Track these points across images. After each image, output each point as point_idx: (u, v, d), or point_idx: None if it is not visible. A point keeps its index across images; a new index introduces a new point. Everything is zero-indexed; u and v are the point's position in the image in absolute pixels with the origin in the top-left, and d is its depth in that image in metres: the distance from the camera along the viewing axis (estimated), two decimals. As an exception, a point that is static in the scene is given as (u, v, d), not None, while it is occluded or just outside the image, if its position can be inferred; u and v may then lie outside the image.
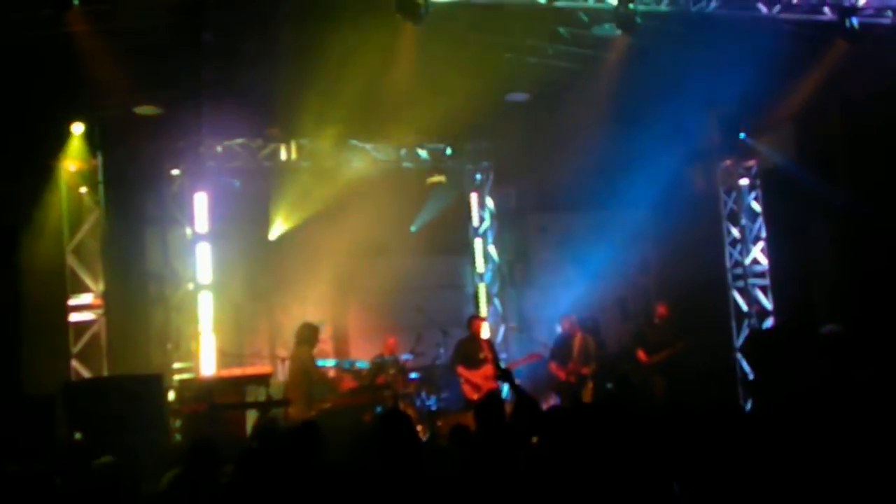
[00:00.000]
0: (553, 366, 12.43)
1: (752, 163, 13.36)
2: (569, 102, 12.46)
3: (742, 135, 13.08)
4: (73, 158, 11.18)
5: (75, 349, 10.93)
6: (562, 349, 12.42)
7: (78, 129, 11.07)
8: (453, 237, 15.55)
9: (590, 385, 12.26)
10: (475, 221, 15.62)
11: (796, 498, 4.82)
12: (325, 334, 12.78)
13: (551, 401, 12.08)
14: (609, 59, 11.14)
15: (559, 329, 12.78)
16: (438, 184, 14.61)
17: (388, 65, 10.37)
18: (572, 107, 12.46)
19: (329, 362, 13.18)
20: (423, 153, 14.77)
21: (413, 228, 15.01)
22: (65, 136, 11.07)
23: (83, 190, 11.27)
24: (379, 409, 11.06)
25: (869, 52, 10.44)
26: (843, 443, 5.61)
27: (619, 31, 9.96)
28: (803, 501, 4.83)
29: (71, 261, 11.07)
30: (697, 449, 4.91)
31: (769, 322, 13.10)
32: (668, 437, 5.05)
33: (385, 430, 5.38)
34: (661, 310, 12.63)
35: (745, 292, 13.26)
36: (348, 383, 12.26)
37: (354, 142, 14.24)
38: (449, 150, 15.00)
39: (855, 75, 11.00)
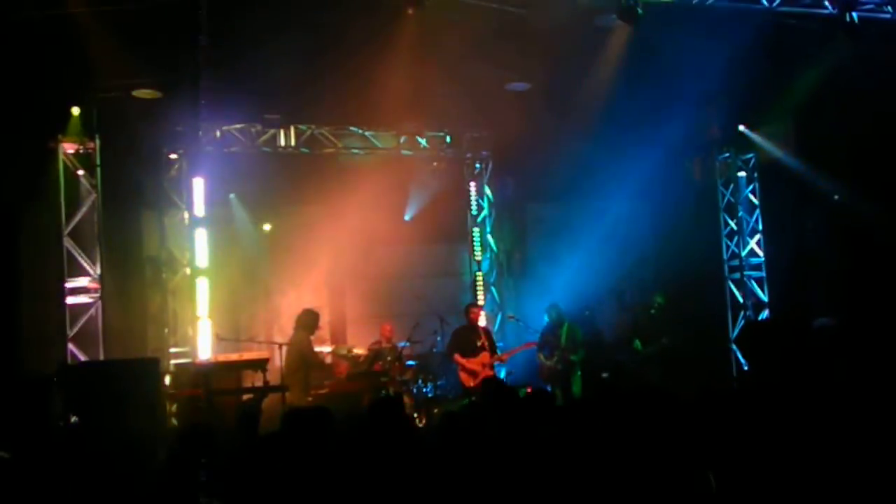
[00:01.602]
0: (541, 357, 12.49)
1: (750, 155, 13.37)
2: (569, 92, 12.45)
3: (741, 127, 13.09)
4: (71, 141, 11.15)
5: (71, 332, 10.92)
6: (549, 338, 12.47)
7: (76, 111, 11.03)
8: (451, 226, 15.55)
9: (579, 373, 12.31)
10: (473, 210, 15.62)
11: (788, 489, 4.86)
12: (322, 320, 12.79)
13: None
14: (610, 50, 11.13)
15: (546, 319, 12.81)
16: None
17: (390, 51, 10.36)
18: (572, 97, 12.46)
19: (326, 348, 13.21)
20: (422, 141, 14.76)
21: (407, 217, 15.04)
22: (63, 117, 11.03)
23: (81, 172, 11.24)
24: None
25: (868, 46, 10.46)
26: (831, 433, 5.66)
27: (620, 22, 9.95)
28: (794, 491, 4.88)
29: (68, 243, 11.04)
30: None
31: (764, 314, 13.13)
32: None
33: (376, 417, 5.41)
34: (658, 300, 12.70)
35: (741, 284, 13.30)
36: (345, 370, 12.30)
37: (354, 128, 14.24)
38: (448, 139, 15.01)
39: (854, 69, 11.01)
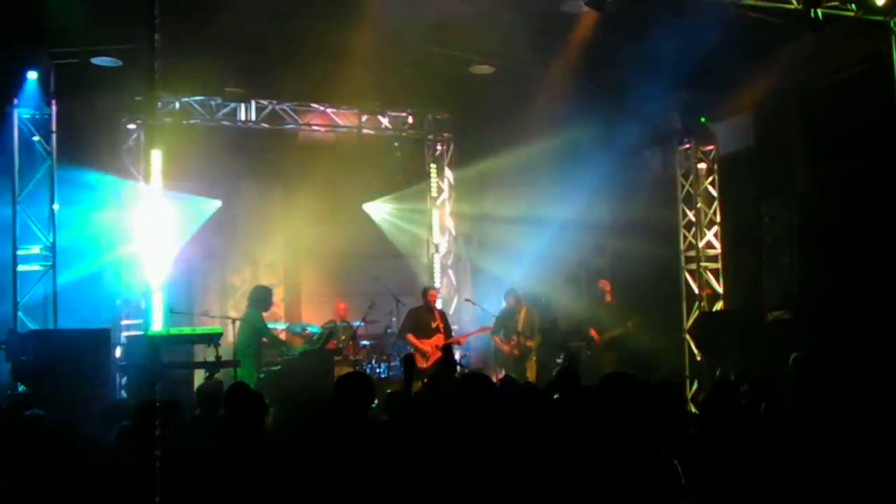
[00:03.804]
0: (497, 339, 12.52)
1: (710, 147, 13.45)
2: (533, 77, 12.45)
3: (702, 119, 13.16)
4: (27, 105, 10.94)
5: (22, 300, 10.74)
6: (506, 323, 12.50)
7: (33, 75, 10.80)
8: (411, 206, 15.54)
9: (534, 359, 12.37)
10: (433, 192, 15.60)
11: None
12: (277, 297, 12.74)
13: (500, 374, 12.17)
14: (575, 37, 11.14)
15: (504, 303, 12.84)
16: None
17: (355, 28, 10.29)
18: (536, 82, 12.47)
19: (280, 325, 13.15)
20: (384, 120, 14.70)
21: (365, 206, 15.06)
22: (19, 81, 10.80)
23: (36, 138, 11.03)
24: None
25: (829, 42, 10.56)
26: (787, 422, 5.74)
27: (587, 8, 9.95)
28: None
29: (20, 209, 10.85)
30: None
31: (719, 305, 13.24)
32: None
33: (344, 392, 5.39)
34: (603, 286, 12.85)
35: (696, 275, 13.38)
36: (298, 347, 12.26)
37: (315, 105, 14.15)
38: (410, 119, 14.96)
39: (814, 65, 11.12)
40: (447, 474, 4.62)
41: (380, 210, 15.30)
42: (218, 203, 13.81)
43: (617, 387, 4.64)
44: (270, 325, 11.85)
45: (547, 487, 4.36)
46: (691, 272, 13.47)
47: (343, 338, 12.47)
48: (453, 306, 15.03)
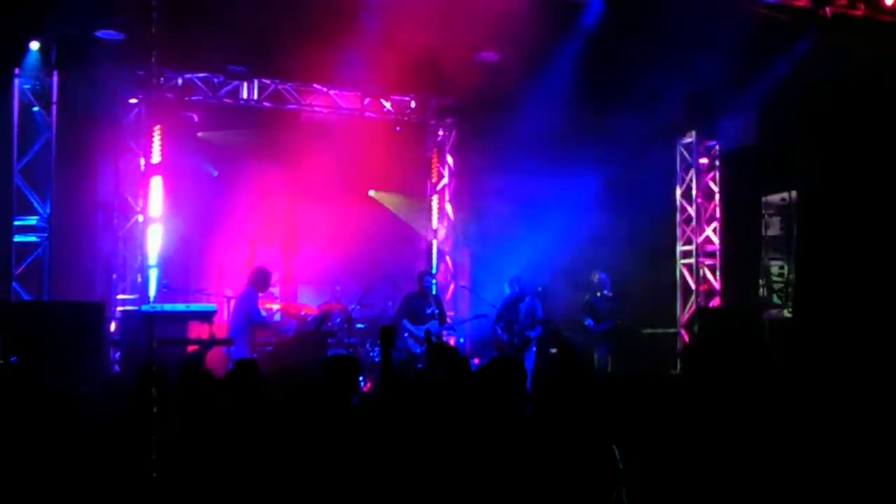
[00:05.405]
0: (499, 328, 12.49)
1: (713, 143, 13.42)
2: (538, 67, 12.41)
3: (707, 114, 13.12)
4: (28, 76, 10.88)
5: (17, 271, 10.71)
6: (508, 311, 12.47)
7: (35, 45, 10.74)
8: (411, 192, 15.50)
9: (533, 348, 12.36)
10: (434, 178, 15.55)
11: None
12: (274, 278, 12.71)
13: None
14: (583, 28, 11.12)
15: (508, 290, 12.83)
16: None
17: (361, 10, 10.25)
18: (541, 72, 12.42)
19: (275, 306, 13.12)
20: (387, 104, 14.64)
21: (371, 193, 15.02)
22: (21, 51, 10.74)
23: (36, 109, 10.98)
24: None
25: (836, 42, 10.53)
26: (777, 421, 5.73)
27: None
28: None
29: (19, 180, 10.80)
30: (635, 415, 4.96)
31: (715, 301, 13.24)
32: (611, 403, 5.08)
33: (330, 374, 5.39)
34: (600, 277, 12.84)
35: (694, 270, 13.37)
36: (293, 328, 12.25)
37: (318, 86, 14.09)
38: (413, 104, 14.91)
39: (821, 64, 11.09)
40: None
41: (379, 194, 15.26)
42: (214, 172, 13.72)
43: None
44: (267, 306, 11.86)
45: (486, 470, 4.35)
46: (688, 267, 13.46)
47: (338, 320, 12.46)
48: (450, 292, 14.99)
